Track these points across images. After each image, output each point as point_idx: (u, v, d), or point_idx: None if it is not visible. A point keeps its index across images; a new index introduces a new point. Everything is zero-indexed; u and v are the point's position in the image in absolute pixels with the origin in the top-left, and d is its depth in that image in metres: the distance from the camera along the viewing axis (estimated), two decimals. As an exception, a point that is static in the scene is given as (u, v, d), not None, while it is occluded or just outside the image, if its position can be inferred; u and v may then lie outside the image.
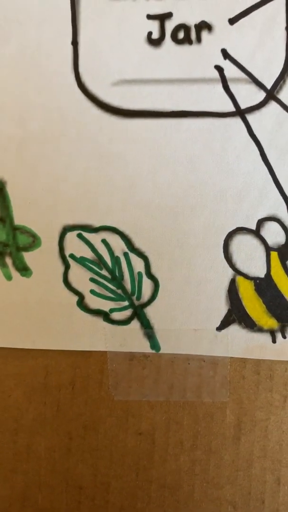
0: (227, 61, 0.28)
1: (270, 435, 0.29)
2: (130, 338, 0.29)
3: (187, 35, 0.28)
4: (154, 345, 0.29)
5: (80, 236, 0.29)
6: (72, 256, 0.29)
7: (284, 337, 0.28)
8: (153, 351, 0.29)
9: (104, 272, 0.29)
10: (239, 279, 0.28)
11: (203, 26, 0.28)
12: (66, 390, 0.29)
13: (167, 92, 0.28)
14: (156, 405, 0.29)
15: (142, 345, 0.29)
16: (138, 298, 0.29)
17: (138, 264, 0.29)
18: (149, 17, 0.28)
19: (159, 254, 0.28)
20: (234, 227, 0.28)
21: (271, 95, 0.28)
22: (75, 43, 0.28)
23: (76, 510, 0.30)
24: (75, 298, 0.29)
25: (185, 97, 0.28)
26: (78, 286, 0.29)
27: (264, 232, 0.28)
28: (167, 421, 0.29)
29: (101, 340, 0.29)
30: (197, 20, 0.28)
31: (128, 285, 0.29)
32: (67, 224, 0.29)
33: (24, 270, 0.29)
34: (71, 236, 0.29)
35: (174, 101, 0.28)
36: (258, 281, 0.28)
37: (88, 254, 0.29)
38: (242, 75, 0.28)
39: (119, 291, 0.29)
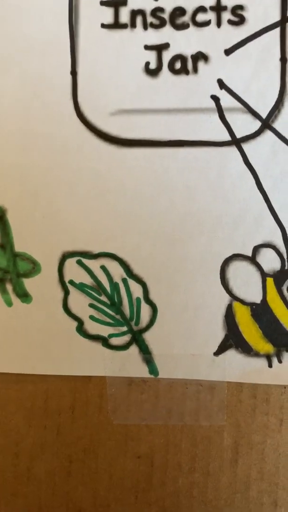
0: (223, 91, 0.28)
1: (267, 458, 0.29)
2: (129, 363, 0.29)
3: (184, 65, 0.29)
4: (153, 370, 0.29)
5: (79, 262, 0.29)
6: (71, 282, 0.29)
7: (280, 361, 0.28)
8: (152, 376, 0.29)
9: (103, 298, 0.29)
10: (236, 305, 0.29)
11: (200, 56, 0.28)
12: (66, 414, 0.30)
13: (164, 121, 0.28)
14: (155, 429, 0.29)
15: (141, 370, 0.29)
16: (137, 323, 0.29)
17: (136, 290, 0.29)
18: (147, 47, 0.29)
19: (157, 280, 0.29)
20: (231, 254, 0.28)
21: (266, 124, 0.28)
22: (74, 73, 0.29)
23: (76, 532, 0.30)
24: (75, 324, 0.29)
25: (182, 126, 0.28)
26: (77, 311, 0.29)
27: (260, 259, 0.28)
28: (165, 444, 0.29)
29: (100, 365, 0.29)
30: (194, 50, 0.28)
31: (126, 310, 0.29)
32: (67, 251, 0.29)
33: (24, 296, 0.29)
34: (70, 263, 0.29)
35: (171, 130, 0.28)
36: (254, 306, 0.28)
37: (87, 280, 0.29)
38: (238, 104, 0.28)
39: (117, 316, 0.29)
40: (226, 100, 0.28)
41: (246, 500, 0.29)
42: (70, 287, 0.29)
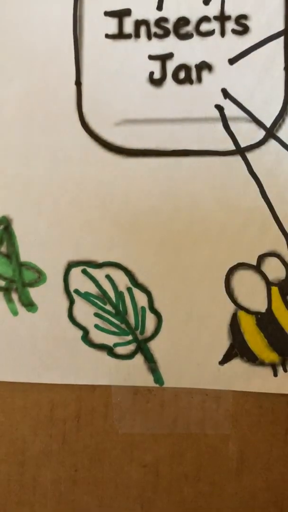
0: (227, 100, 0.28)
1: (273, 467, 0.29)
2: (134, 372, 0.29)
3: (188, 75, 0.29)
4: (158, 379, 0.29)
5: (84, 271, 0.29)
6: (76, 291, 0.29)
7: (285, 370, 0.28)
8: (157, 385, 0.29)
9: (108, 307, 0.29)
10: (241, 314, 0.29)
11: (204, 66, 0.28)
12: (72, 423, 0.30)
13: (168, 131, 0.29)
14: (160, 438, 0.29)
15: (146, 379, 0.29)
16: (142, 332, 0.29)
17: (141, 299, 0.29)
18: (151, 57, 0.29)
19: (162, 289, 0.29)
20: (235, 263, 0.28)
21: (270, 133, 0.28)
22: (78, 83, 0.29)
23: None
24: (80, 333, 0.29)
25: (186, 136, 0.28)
26: (82, 321, 0.29)
27: (264, 268, 0.28)
28: (171, 454, 0.29)
29: (106, 374, 0.29)
30: (198, 60, 0.29)
31: (131, 319, 0.29)
32: (72, 260, 0.29)
33: (29, 305, 0.30)
34: (75, 272, 0.29)
35: (176, 140, 0.29)
36: (259, 315, 0.28)
37: (93, 289, 0.29)
38: (242, 114, 0.28)
39: (123, 325, 0.29)
40: (230, 110, 0.28)
41: (251, 510, 0.29)
42: (75, 296, 0.29)
